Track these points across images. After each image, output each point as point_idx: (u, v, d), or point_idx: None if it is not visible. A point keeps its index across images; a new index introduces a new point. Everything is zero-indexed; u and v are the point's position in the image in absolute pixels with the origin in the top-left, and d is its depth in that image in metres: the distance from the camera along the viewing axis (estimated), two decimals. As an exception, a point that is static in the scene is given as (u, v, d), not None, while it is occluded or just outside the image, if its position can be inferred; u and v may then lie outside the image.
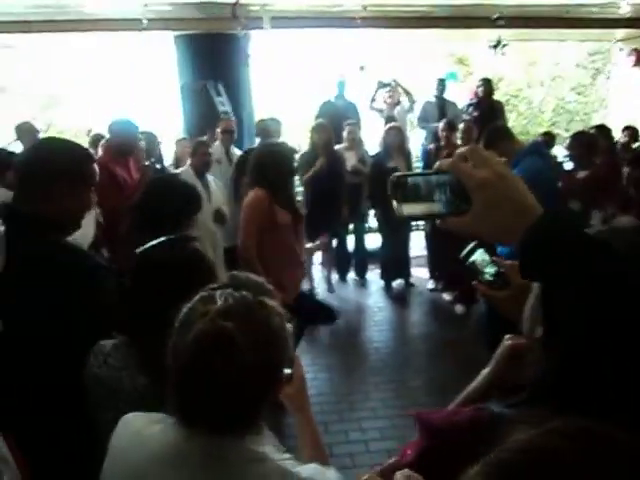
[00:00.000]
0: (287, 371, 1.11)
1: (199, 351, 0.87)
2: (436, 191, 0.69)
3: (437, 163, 0.70)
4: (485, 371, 1.02)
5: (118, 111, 4.33)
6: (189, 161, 4.14)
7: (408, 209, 0.69)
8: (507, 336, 1.00)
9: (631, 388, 0.59)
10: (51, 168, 1.55)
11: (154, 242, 1.36)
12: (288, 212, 3.06)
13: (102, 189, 3.18)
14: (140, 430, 0.96)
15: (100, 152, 4.00)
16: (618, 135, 5.40)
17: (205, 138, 4.62)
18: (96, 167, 1.67)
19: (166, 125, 6.56)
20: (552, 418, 0.65)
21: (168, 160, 5.23)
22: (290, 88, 9.34)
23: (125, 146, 3.59)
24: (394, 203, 0.70)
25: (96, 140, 5.62)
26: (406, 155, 5.41)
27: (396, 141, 5.28)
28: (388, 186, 0.71)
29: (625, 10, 5.93)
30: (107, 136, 3.95)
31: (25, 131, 5.01)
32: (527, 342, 0.84)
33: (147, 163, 3.52)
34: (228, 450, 0.90)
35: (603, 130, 4.95)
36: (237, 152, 5.01)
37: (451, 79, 8.15)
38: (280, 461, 0.92)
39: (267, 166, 3.01)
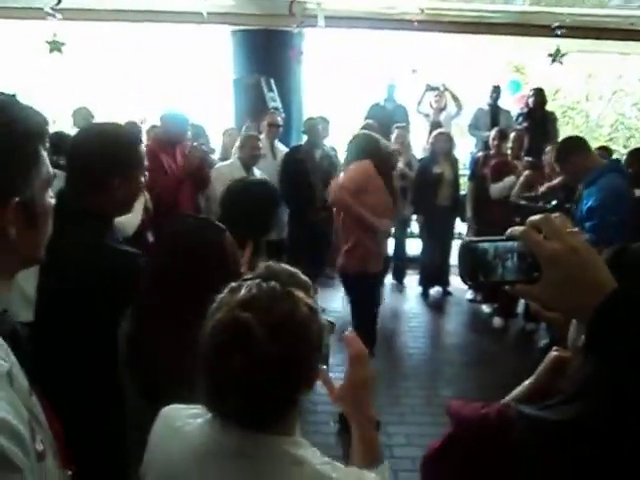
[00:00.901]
0: (323, 367, 1.06)
1: (216, 342, 0.86)
2: (507, 257, 0.69)
3: (509, 230, 0.70)
4: (527, 381, 1.01)
5: (171, 101, 4.43)
6: (237, 153, 4.21)
7: (478, 277, 0.70)
8: (554, 347, 0.99)
9: None
10: (103, 161, 1.54)
11: (185, 220, 1.40)
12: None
13: (148, 175, 3.32)
14: (179, 426, 0.96)
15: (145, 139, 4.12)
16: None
17: (246, 126, 4.67)
18: (144, 149, 1.68)
19: (217, 118, 6.68)
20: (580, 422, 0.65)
21: (216, 152, 5.33)
22: (340, 88, 9.34)
23: (173, 136, 3.68)
24: (461, 269, 0.71)
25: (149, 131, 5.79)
26: (453, 162, 5.34)
27: (445, 147, 5.22)
28: (459, 251, 0.72)
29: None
30: (156, 125, 4.07)
31: (81, 116, 5.19)
32: (571, 354, 0.84)
33: (195, 144, 3.58)
34: (263, 450, 0.88)
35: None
36: (281, 147, 5.07)
37: (515, 88, 7.96)
38: (319, 465, 0.90)
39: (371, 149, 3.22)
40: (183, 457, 0.92)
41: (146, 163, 1.71)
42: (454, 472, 0.78)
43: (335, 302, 4.95)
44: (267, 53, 5.96)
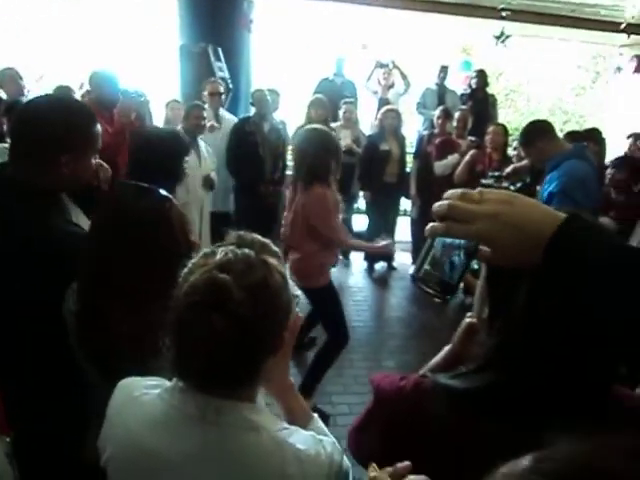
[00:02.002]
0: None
1: (194, 301, 0.86)
2: (453, 253, 0.69)
3: (427, 230, 0.68)
4: (446, 348, 1.06)
5: (112, 66, 4.15)
6: (181, 124, 4.10)
7: (452, 285, 0.69)
8: (468, 314, 1.04)
9: (561, 366, 0.66)
10: (52, 135, 1.44)
11: (126, 187, 1.37)
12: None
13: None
14: (138, 395, 0.96)
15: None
16: (614, 140, 5.45)
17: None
18: (100, 129, 1.56)
19: (163, 86, 6.44)
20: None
21: (160, 122, 5.15)
22: (290, 61, 9.22)
23: (107, 99, 3.48)
24: (436, 294, 0.71)
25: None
26: (400, 139, 5.41)
27: (393, 124, 5.26)
28: (417, 284, 0.72)
29: (630, 14, 5.94)
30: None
31: (8, 78, 4.75)
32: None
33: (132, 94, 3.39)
34: (224, 416, 0.90)
35: (594, 133, 4.99)
36: (227, 115, 4.97)
37: (467, 68, 8.11)
38: (276, 431, 0.92)
39: (318, 164, 2.92)
40: (143, 425, 0.92)
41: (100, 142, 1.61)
42: (375, 442, 0.83)
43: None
44: (215, 20, 5.76)
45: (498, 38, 6.51)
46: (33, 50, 8.95)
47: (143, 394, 0.95)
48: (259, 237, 0.99)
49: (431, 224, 0.67)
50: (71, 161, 1.46)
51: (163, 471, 0.89)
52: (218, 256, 0.89)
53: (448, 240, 0.69)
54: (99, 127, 1.56)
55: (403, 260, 5.79)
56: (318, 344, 3.54)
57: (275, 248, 0.99)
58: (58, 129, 1.44)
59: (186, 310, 0.86)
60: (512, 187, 3.93)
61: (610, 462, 0.36)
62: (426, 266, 0.71)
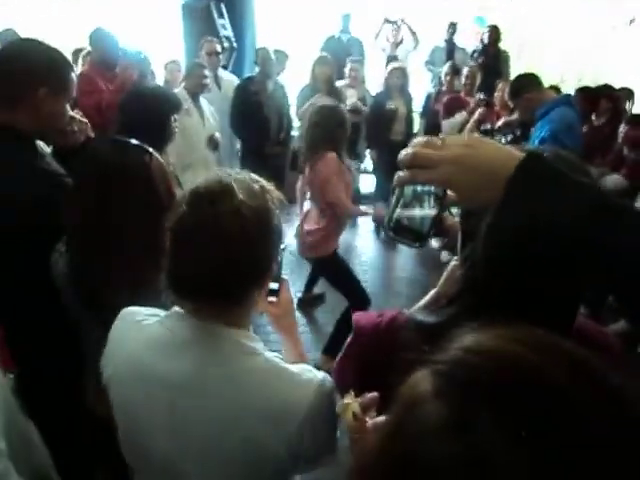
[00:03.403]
0: (273, 286, 1.17)
1: (201, 200, 0.90)
2: (424, 199, 0.69)
3: (395, 180, 0.68)
4: (432, 291, 1.10)
5: (107, 25, 4.08)
6: (183, 83, 4.05)
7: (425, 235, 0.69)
8: (454, 258, 1.07)
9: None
10: (31, 65, 1.46)
11: (104, 142, 1.37)
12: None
13: (81, 97, 3.13)
14: (139, 320, 1.02)
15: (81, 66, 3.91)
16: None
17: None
18: (75, 77, 1.60)
19: (165, 45, 6.33)
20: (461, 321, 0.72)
21: (160, 83, 5.08)
22: (296, 18, 8.99)
23: (108, 58, 3.47)
24: (407, 243, 0.71)
25: (76, 53, 5.40)
26: (407, 98, 5.31)
27: (399, 83, 5.17)
28: (389, 234, 0.71)
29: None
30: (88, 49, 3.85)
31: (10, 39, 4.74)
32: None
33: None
34: (223, 341, 0.95)
35: (607, 90, 4.87)
36: (226, 76, 4.89)
37: (480, 23, 7.90)
38: (271, 356, 0.97)
39: (334, 131, 3.08)
40: (144, 346, 0.98)
41: (77, 91, 1.62)
42: (352, 374, 0.88)
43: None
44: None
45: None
46: (31, 10, 8.80)
47: (144, 319, 1.02)
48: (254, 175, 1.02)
49: (398, 173, 0.68)
50: (48, 97, 1.48)
51: (160, 387, 0.94)
52: (222, 178, 0.94)
53: (418, 188, 0.69)
54: (74, 76, 1.59)
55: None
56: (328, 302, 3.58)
57: (276, 192, 1.02)
58: (40, 61, 1.48)
59: (193, 207, 0.90)
60: (503, 139, 3.96)
61: (501, 344, 0.43)
62: (396, 215, 0.70)
